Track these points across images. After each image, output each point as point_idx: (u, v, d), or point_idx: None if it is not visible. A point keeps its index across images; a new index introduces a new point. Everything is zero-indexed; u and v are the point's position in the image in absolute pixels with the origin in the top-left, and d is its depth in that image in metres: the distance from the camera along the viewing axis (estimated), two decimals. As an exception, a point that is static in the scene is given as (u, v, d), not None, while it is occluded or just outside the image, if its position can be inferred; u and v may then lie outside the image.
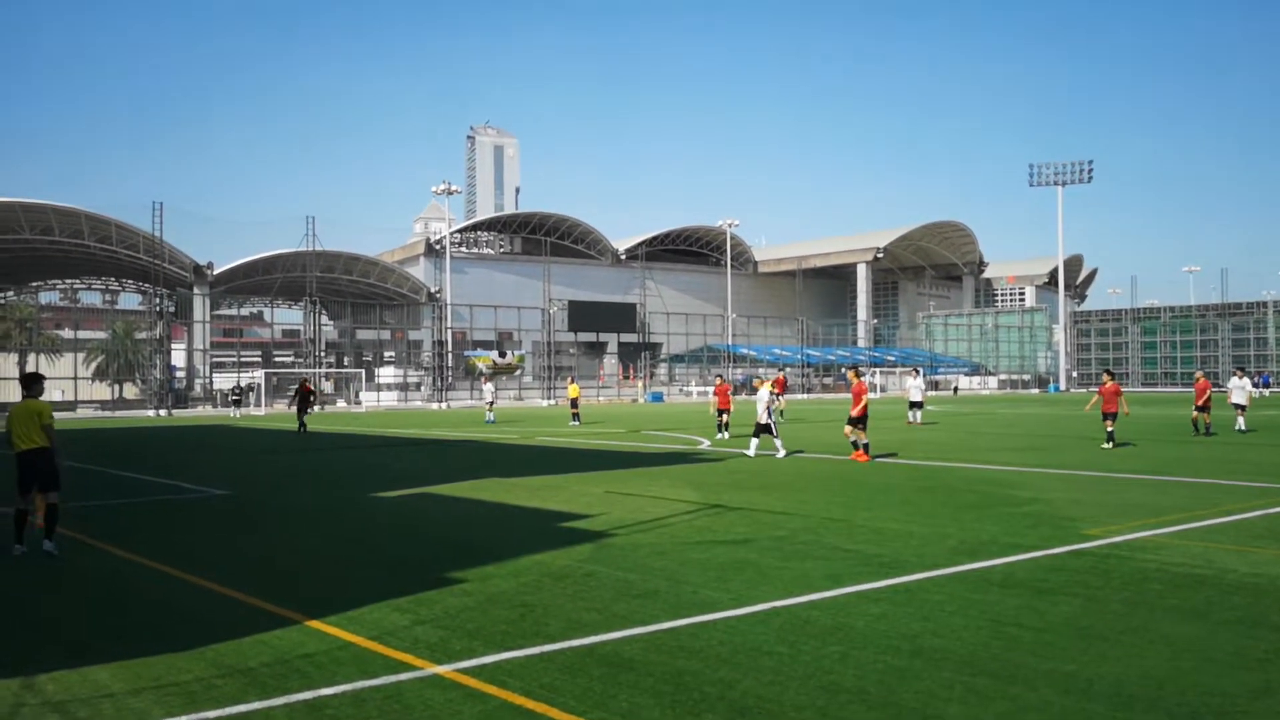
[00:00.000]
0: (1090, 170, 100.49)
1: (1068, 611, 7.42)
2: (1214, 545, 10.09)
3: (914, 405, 34.18)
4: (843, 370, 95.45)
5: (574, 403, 39.24)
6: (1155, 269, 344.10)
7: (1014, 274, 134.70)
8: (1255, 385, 72.35)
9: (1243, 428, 27.79)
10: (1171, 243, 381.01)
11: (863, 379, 21.15)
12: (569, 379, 50.55)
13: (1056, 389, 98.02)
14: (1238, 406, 28.39)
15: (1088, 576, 8.66)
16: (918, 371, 38.63)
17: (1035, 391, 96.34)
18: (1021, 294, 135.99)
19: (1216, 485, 15.35)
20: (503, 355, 76.77)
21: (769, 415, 20.86)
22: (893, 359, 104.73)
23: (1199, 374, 28.25)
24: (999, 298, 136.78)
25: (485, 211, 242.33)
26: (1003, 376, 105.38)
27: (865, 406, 20.25)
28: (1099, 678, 5.81)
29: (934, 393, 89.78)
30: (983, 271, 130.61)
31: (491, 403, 44.11)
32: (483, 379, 55.61)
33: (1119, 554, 9.68)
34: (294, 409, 18.90)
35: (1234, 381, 29.26)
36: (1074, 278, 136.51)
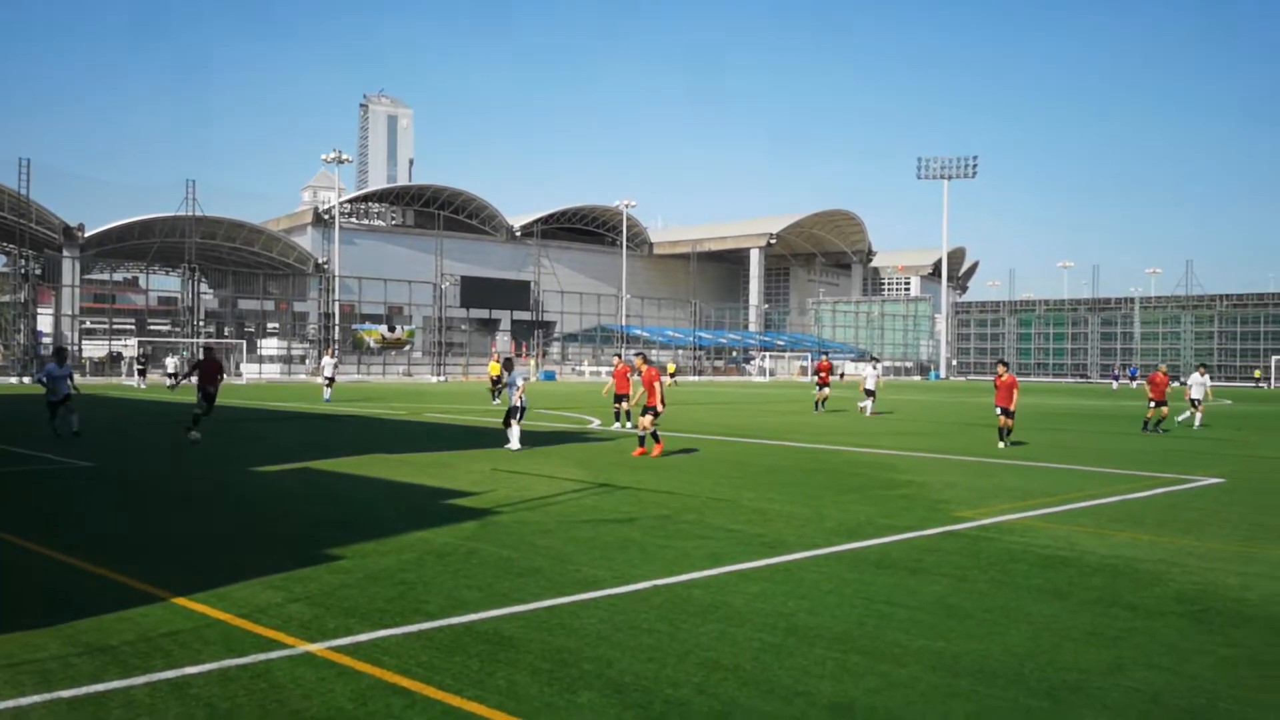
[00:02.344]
0: (975, 166, 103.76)
1: (938, 591, 7.66)
2: (1076, 528, 10.56)
3: (869, 394, 31.65)
4: (733, 354, 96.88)
5: (495, 380, 37.89)
6: (1033, 263, 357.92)
7: (902, 264, 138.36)
8: (1121, 378, 76.17)
9: (1198, 424, 27.14)
10: (1048, 239, 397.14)
11: (652, 365, 18.49)
12: (493, 355, 48.31)
13: (937, 376, 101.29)
14: (1195, 402, 27.49)
15: (958, 557, 8.96)
16: (876, 360, 37.12)
17: (917, 378, 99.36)
18: (907, 283, 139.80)
19: (1081, 471, 16.06)
20: (392, 330, 75.38)
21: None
22: (782, 344, 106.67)
23: (1162, 367, 26.74)
24: (886, 286, 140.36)
25: (377, 182, 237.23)
26: (886, 363, 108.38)
27: (661, 397, 17.63)
28: (965, 654, 6.01)
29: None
30: (871, 260, 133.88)
31: (330, 379, 36.74)
32: (327, 350, 47.44)
33: (988, 536, 10.05)
34: (191, 381, 17.25)
35: (1195, 377, 28.27)
36: (957, 269, 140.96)
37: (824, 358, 33.99)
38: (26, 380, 53.73)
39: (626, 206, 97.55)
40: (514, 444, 17.77)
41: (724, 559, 8.67)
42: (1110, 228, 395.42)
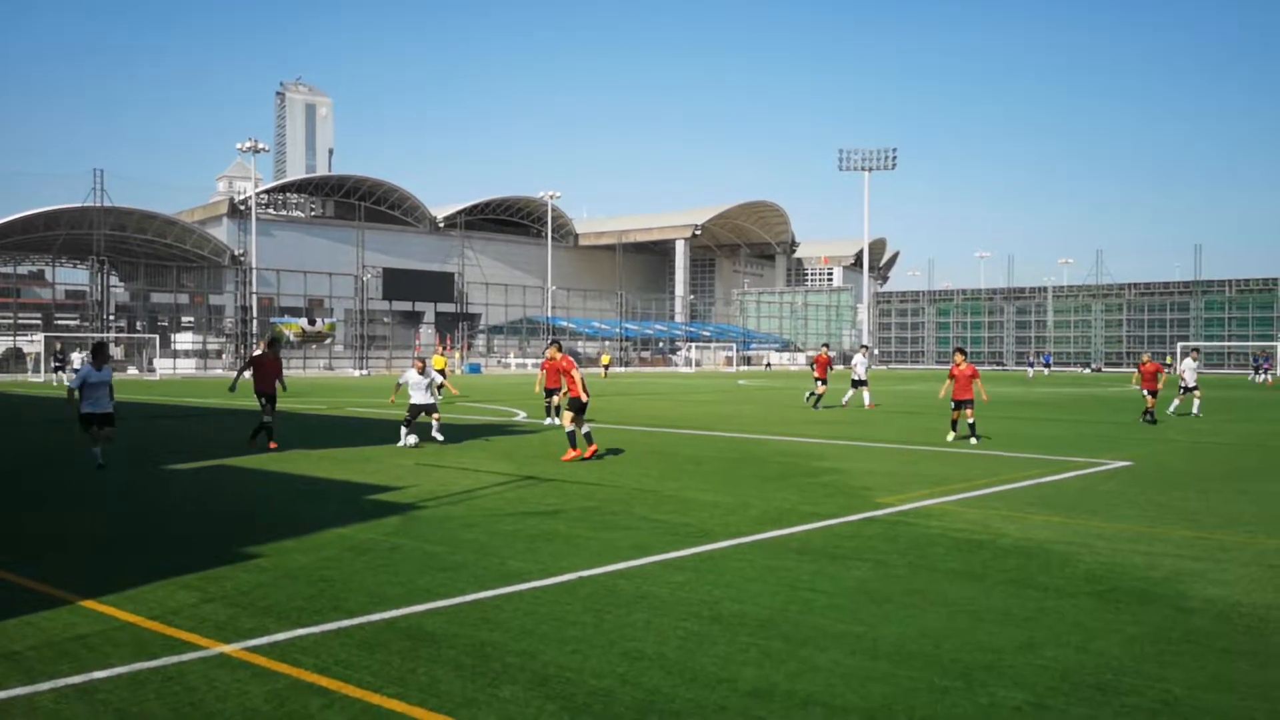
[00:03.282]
0: (894, 158, 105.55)
1: (859, 576, 7.79)
2: (992, 512, 10.83)
3: (857, 383, 29.55)
4: (659, 345, 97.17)
5: (440, 374, 36.75)
6: (951, 254, 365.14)
7: (825, 255, 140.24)
8: (1035, 365, 78.21)
9: (1196, 410, 26.57)
10: (966, 230, 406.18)
11: (565, 354, 17.52)
12: (440, 348, 46.52)
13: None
14: (1186, 389, 26.94)
15: (878, 543, 9.12)
16: (866, 349, 35.45)
17: (840, 368, 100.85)
18: (829, 274, 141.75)
19: (997, 457, 16.46)
20: (312, 323, 73.97)
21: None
22: (708, 334, 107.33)
23: (1145, 356, 25.87)
24: (809, 277, 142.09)
25: (295, 173, 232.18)
26: (810, 353, 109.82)
27: (584, 386, 15.94)
28: (883, 637, 6.12)
29: (746, 368, 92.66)
30: (795, 251, 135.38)
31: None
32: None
33: (907, 521, 10.25)
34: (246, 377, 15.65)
35: (1187, 363, 27.83)
36: (878, 260, 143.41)
37: (824, 350, 30.53)
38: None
39: (551, 198, 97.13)
40: (408, 441, 17.49)
41: (650, 549, 8.69)
42: (1025, 219, 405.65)
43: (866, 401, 29.48)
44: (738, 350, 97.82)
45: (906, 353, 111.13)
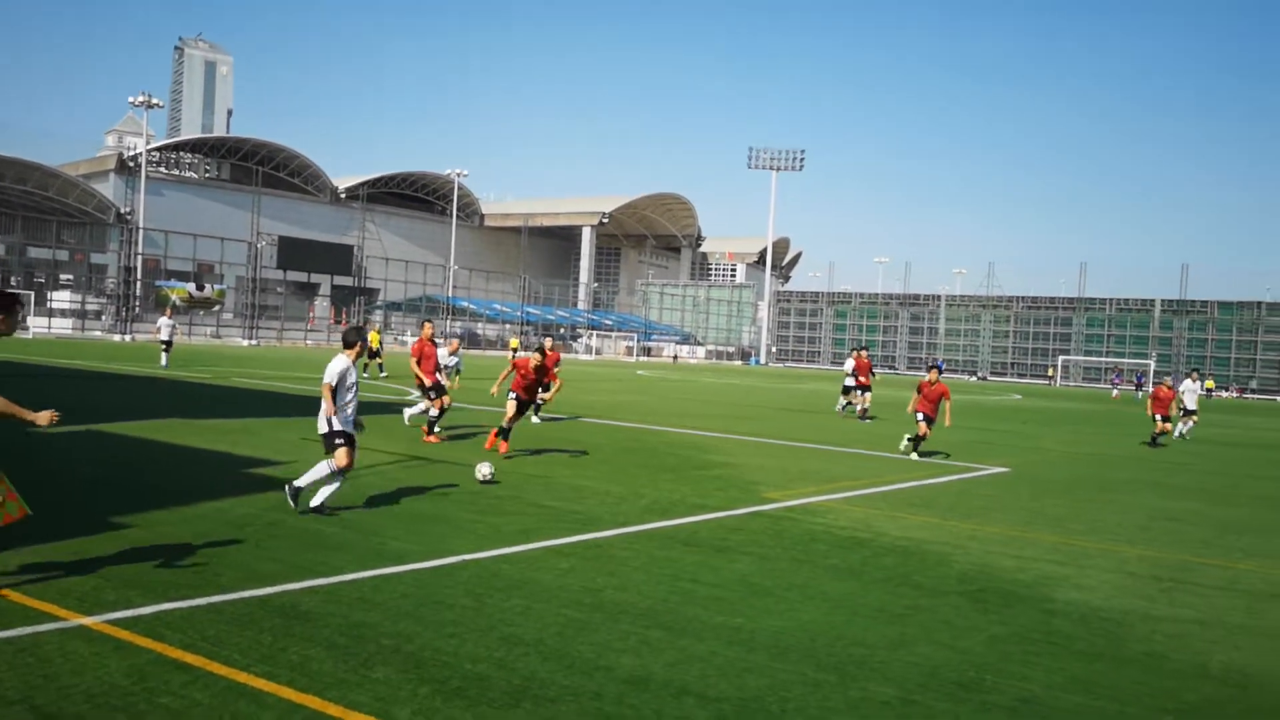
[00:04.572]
0: (802, 159, 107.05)
1: (742, 569, 7.89)
2: (874, 511, 11.10)
3: (854, 389, 25.87)
4: (560, 331, 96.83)
5: (375, 352, 35.42)
6: (852, 257, 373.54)
7: (730, 251, 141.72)
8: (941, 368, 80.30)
9: (1186, 432, 25.93)
10: (867, 234, 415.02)
11: (432, 340, 16.30)
12: (373, 326, 44.25)
13: (757, 362, 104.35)
14: (1188, 412, 26.02)
15: (763, 536, 9.26)
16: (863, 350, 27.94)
17: (738, 364, 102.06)
18: (733, 270, 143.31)
19: (883, 458, 16.87)
20: (200, 288, 71.55)
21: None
22: (610, 323, 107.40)
23: (1167, 381, 25.31)
24: (713, 272, 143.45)
25: (191, 132, 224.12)
26: (710, 347, 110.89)
27: (437, 366, 16.06)
28: (761, 630, 6.21)
29: (646, 358, 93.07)
30: (700, 245, 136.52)
31: (168, 342, 32.85)
32: (167, 311, 40.47)
33: (792, 516, 10.43)
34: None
35: (1186, 384, 26.92)
36: (781, 259, 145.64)
37: (863, 352, 26.19)
38: None
39: (458, 175, 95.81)
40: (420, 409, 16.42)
41: (536, 535, 8.65)
42: (924, 227, 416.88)
43: (851, 408, 26.02)
44: (638, 340, 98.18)
45: (804, 352, 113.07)
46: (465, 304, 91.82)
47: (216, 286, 73.28)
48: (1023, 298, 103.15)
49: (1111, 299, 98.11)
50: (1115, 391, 64.25)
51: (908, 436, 17.11)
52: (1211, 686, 5.73)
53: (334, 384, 8.95)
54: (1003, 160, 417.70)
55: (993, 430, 25.41)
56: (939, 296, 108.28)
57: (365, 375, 30.92)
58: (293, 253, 75.64)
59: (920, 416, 17.06)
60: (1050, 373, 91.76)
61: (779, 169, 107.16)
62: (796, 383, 50.82)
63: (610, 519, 9.63)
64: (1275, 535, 11.43)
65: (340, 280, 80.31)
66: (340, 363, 9.05)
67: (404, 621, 5.92)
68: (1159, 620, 7.14)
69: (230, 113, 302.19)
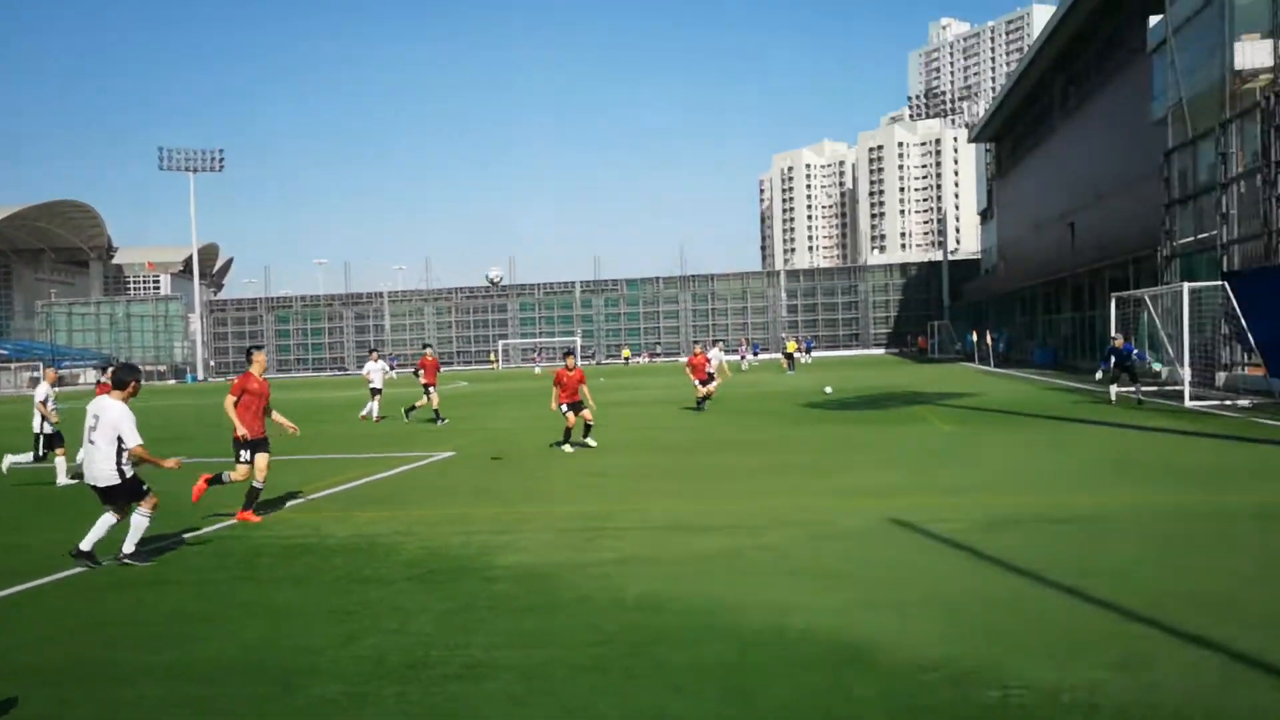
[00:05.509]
0: (221, 159, 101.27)
1: (177, 601, 7.31)
2: (322, 515, 10.91)
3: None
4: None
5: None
6: (289, 260, 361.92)
7: (152, 260, 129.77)
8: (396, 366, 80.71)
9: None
10: (304, 236, 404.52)
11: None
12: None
13: (194, 379, 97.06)
14: (710, 377, 26.19)
15: (202, 562, 8.66)
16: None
17: (172, 382, 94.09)
18: (156, 282, 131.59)
19: (335, 460, 16.66)
20: None
21: None
22: (5, 353, 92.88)
23: (697, 348, 26.71)
24: (133, 285, 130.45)
25: None
26: (148, 367, 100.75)
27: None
28: (198, 660, 5.81)
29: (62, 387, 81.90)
30: (113, 257, 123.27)
31: None
32: None
33: (234, 535, 9.89)
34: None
35: (714, 352, 29.14)
36: (210, 266, 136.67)
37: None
38: None
39: None
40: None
41: (-90, 611, 7.22)
42: (361, 226, 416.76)
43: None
44: (44, 369, 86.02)
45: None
46: None
47: None
48: (461, 288, 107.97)
49: (539, 284, 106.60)
50: (537, 369, 70.09)
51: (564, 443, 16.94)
52: (629, 615, 6.49)
53: None
54: (433, 156, 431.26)
55: (446, 416, 26.28)
56: (382, 294, 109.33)
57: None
58: None
59: (565, 408, 16.94)
60: (492, 357, 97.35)
61: (196, 170, 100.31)
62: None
63: (29, 569, 8.33)
64: (680, 478, 13.22)
65: None
66: None
67: None
68: (586, 566, 7.93)
69: None
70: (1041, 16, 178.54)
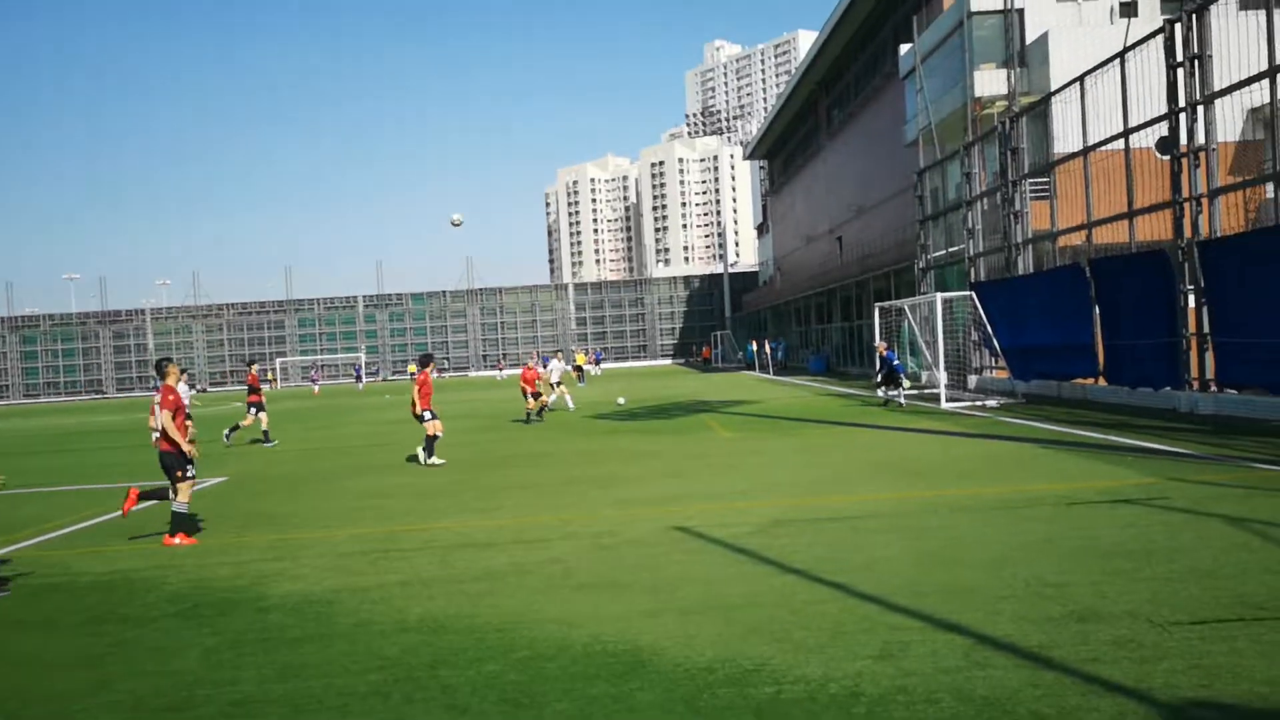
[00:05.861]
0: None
1: (-103, 655, 6.54)
2: (72, 552, 10.06)
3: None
4: None
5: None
6: (34, 277, 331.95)
7: None
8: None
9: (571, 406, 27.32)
10: (51, 250, 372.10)
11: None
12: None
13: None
14: (555, 385, 27.89)
15: (-72, 610, 7.80)
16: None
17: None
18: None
19: (88, 491, 15.41)
20: None
21: None
22: None
23: (529, 362, 26.98)
24: None
25: None
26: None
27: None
28: (-77, 720, 5.23)
29: None
30: None
31: None
32: None
33: (-31, 578, 8.95)
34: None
35: (554, 364, 29.71)
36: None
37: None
38: None
39: None
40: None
41: None
42: (120, 239, 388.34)
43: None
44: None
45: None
46: None
47: None
48: (233, 304, 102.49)
49: (319, 298, 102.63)
50: (316, 388, 67.48)
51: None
52: (410, 637, 6.33)
53: None
54: (199, 163, 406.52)
55: (212, 441, 24.85)
56: (144, 311, 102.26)
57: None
58: None
59: (424, 413, 16.75)
60: (270, 376, 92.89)
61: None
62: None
63: None
64: (468, 495, 13.03)
65: None
66: None
67: None
68: (367, 590, 7.68)
69: None
70: (806, 41, 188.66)
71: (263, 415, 23.09)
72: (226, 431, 23.31)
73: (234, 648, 6.30)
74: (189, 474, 10.53)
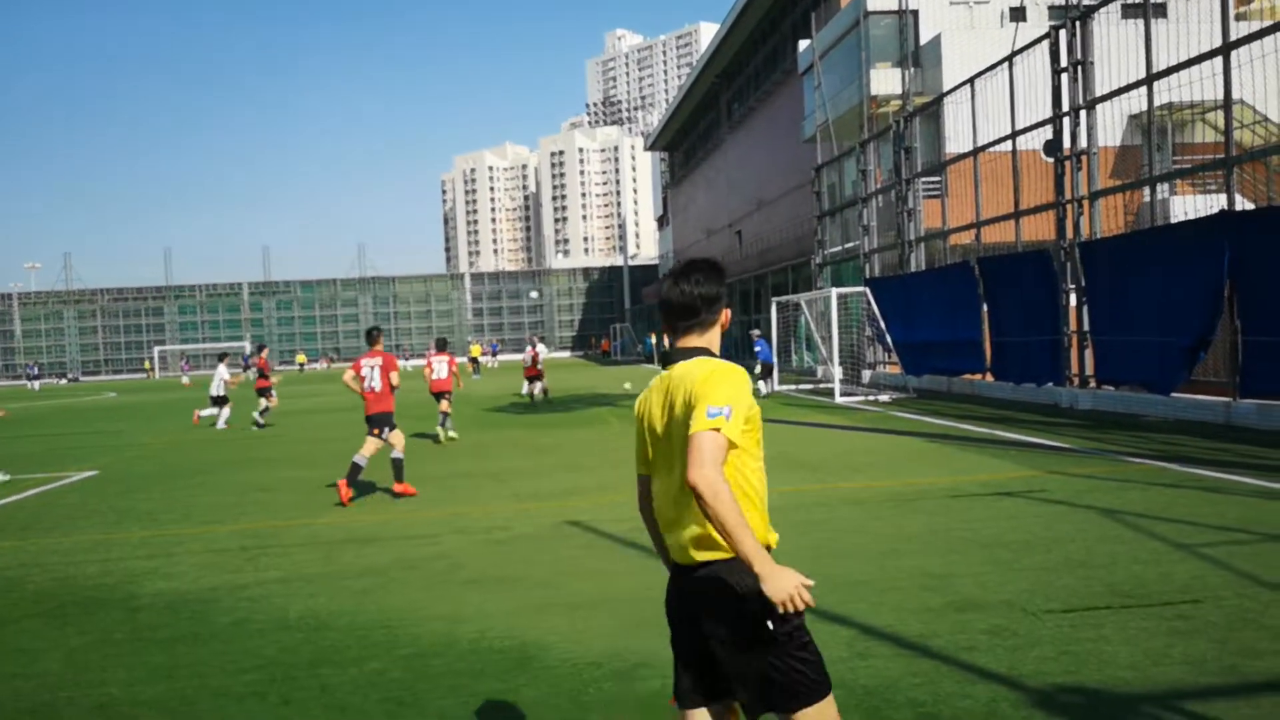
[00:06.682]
0: None
1: None
2: (-71, 548, 9.49)
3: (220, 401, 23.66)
4: None
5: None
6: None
7: None
8: (39, 377, 71.89)
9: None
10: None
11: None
12: None
13: None
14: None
15: None
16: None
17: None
18: None
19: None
20: None
21: None
22: None
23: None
24: None
25: None
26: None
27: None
28: None
29: None
30: None
31: None
32: None
33: None
34: None
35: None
36: None
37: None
38: None
39: None
40: None
41: None
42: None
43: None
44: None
45: None
46: None
47: None
48: (108, 290, 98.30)
49: (201, 285, 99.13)
50: (185, 379, 65.26)
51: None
52: (290, 636, 6.13)
53: None
54: (75, 142, 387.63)
55: (82, 434, 23.82)
56: (11, 295, 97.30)
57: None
58: None
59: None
60: (147, 365, 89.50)
61: None
62: None
63: None
64: (357, 489, 12.69)
65: None
66: None
67: None
68: (245, 587, 7.42)
69: None
70: (709, 33, 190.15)
71: (263, 400, 23.26)
72: (256, 415, 22.93)
73: (101, 648, 6.01)
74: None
